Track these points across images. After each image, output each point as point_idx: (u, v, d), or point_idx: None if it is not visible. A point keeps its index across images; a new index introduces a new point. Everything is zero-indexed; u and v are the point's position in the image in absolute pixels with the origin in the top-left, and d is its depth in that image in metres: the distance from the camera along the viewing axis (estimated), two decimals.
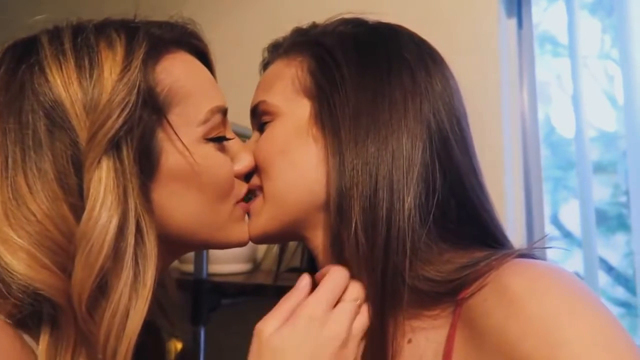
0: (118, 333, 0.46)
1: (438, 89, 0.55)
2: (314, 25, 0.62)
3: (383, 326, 0.51)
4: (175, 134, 0.51)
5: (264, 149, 0.58)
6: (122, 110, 0.47)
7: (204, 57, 0.59)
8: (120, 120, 0.47)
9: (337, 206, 0.52)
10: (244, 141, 0.62)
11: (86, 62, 0.48)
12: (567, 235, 1.50)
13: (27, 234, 0.46)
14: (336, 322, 0.49)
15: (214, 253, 1.11)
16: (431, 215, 0.51)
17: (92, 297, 0.46)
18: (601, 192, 1.44)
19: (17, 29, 0.53)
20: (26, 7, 1.37)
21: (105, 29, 0.51)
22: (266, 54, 0.65)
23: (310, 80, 0.57)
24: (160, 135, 0.51)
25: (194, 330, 1.02)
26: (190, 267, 1.08)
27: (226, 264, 1.16)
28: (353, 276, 0.52)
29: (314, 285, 0.52)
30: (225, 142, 0.57)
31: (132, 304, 0.47)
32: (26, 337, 0.47)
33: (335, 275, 0.51)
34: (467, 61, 1.09)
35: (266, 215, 0.57)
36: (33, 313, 0.46)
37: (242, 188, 0.59)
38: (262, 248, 1.26)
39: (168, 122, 0.51)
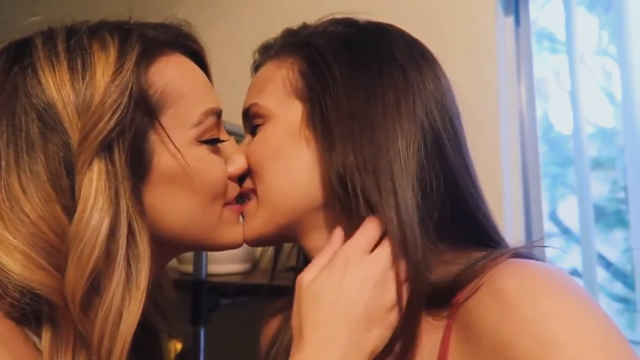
0: (112, 333, 0.46)
1: (430, 88, 0.55)
2: (305, 26, 0.61)
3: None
4: (168, 136, 0.51)
5: (257, 152, 0.57)
6: (114, 112, 0.47)
7: (200, 59, 0.59)
8: (112, 122, 0.47)
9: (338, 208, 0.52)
10: (241, 142, 0.61)
11: (79, 64, 0.48)
12: (565, 231, 1.50)
13: (22, 235, 0.46)
14: (373, 263, 0.49)
15: (212, 253, 1.10)
16: (429, 216, 0.51)
17: (86, 298, 0.46)
18: (599, 188, 1.44)
19: (13, 30, 0.53)
20: (22, 8, 1.37)
21: (98, 31, 0.51)
22: (257, 56, 0.64)
23: (302, 82, 0.57)
24: (153, 137, 0.51)
25: (194, 331, 1.02)
26: (189, 268, 1.08)
27: (225, 264, 1.16)
28: None
29: None
30: (219, 144, 0.57)
31: (125, 305, 0.47)
32: (28, 332, 0.48)
33: (370, 225, 0.51)
34: (465, 59, 1.10)
35: (261, 219, 0.57)
36: (32, 312, 0.47)
37: (234, 190, 0.59)
38: (260, 247, 1.26)
39: (160, 124, 0.51)
